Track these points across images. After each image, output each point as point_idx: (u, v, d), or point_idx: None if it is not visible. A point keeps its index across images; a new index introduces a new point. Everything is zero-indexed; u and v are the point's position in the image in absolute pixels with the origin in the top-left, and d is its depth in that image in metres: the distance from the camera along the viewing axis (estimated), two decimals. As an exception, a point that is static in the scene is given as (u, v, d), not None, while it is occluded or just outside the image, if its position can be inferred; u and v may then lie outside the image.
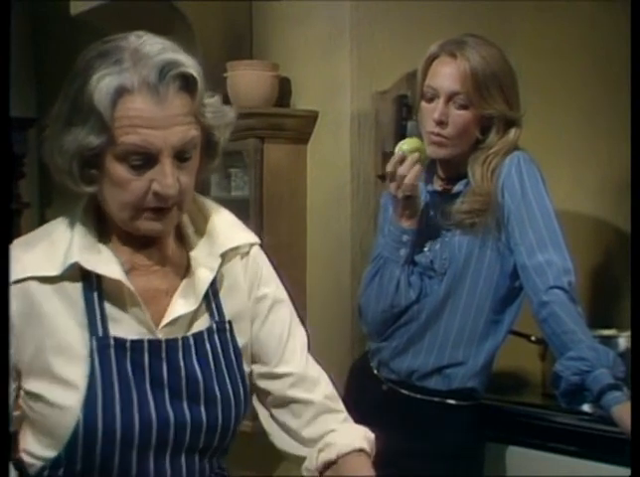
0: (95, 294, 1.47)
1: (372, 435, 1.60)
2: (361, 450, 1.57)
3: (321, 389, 1.62)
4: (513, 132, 2.32)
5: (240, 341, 1.56)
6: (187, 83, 1.43)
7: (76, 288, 1.47)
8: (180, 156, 1.44)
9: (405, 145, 2.28)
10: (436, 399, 2.36)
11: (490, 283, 2.33)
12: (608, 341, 2.45)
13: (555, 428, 2.42)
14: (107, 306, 1.47)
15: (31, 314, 1.46)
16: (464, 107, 2.27)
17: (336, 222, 2.90)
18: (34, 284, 1.46)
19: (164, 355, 1.48)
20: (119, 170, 1.42)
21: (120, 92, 1.40)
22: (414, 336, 2.37)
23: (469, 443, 2.38)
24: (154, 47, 1.42)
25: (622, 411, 2.04)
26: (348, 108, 2.89)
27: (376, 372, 2.44)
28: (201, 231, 1.57)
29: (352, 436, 1.58)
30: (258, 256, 1.63)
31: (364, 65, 2.89)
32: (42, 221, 5.25)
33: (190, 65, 1.43)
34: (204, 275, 1.52)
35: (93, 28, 3.47)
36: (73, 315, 1.46)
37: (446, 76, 2.27)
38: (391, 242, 2.35)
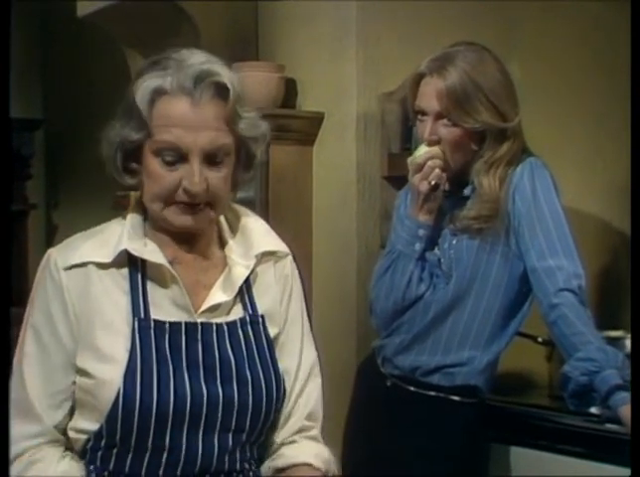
0: (140, 280, 1.61)
1: (327, 456, 1.68)
2: (308, 465, 1.64)
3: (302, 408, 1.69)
4: (509, 143, 2.30)
5: (272, 334, 1.66)
6: (220, 92, 1.56)
7: (123, 274, 1.62)
8: (210, 159, 1.57)
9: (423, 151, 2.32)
10: (440, 395, 2.36)
11: (498, 289, 2.32)
12: (616, 342, 2.44)
13: (561, 430, 2.42)
14: (150, 291, 1.61)
15: (85, 295, 1.60)
16: (452, 124, 2.28)
17: (342, 222, 2.90)
18: (90, 269, 1.61)
19: (199, 337, 1.60)
20: (154, 164, 1.57)
21: (159, 93, 1.55)
22: (419, 334, 2.37)
23: (472, 442, 2.38)
24: (198, 59, 1.57)
25: (629, 412, 2.03)
26: (354, 109, 2.89)
27: (381, 368, 2.44)
28: (238, 234, 1.70)
29: (304, 452, 1.66)
30: (292, 270, 1.74)
31: (370, 66, 2.89)
32: (48, 222, 5.26)
33: (226, 76, 1.57)
34: (239, 271, 1.65)
35: (100, 29, 3.48)
36: (119, 297, 1.60)
37: (428, 95, 2.30)
38: (406, 237, 2.36)
